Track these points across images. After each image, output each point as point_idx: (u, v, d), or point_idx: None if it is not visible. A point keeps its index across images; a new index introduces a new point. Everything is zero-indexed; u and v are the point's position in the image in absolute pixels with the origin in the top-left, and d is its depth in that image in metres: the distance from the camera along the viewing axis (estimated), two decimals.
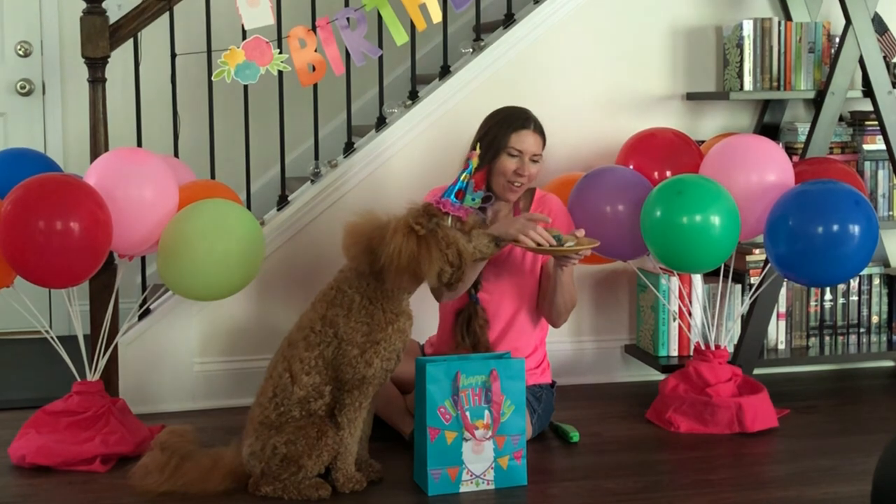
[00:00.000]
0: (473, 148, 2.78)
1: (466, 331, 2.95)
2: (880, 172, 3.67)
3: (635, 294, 3.66)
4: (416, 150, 3.44)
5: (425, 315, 3.10)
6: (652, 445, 2.94)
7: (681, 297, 3.46)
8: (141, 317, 3.33)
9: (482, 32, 3.58)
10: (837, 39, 3.51)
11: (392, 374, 2.67)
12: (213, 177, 3.39)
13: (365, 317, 2.57)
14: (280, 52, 3.10)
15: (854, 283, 3.69)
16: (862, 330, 3.72)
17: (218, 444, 2.74)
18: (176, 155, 3.37)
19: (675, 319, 3.49)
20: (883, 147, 3.58)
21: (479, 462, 2.61)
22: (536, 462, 2.79)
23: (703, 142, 3.53)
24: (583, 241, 2.78)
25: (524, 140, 2.90)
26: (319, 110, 3.46)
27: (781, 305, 3.60)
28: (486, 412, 2.61)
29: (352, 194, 3.41)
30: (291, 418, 2.57)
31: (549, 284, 2.93)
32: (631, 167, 3.31)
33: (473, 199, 2.61)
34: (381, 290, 2.58)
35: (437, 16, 3.17)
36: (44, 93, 4.29)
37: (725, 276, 3.29)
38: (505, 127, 2.91)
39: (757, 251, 3.53)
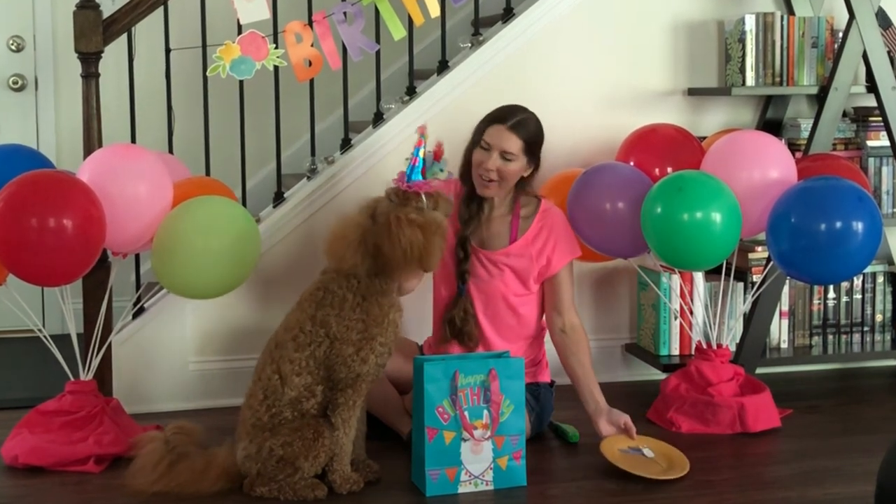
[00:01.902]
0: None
1: (449, 323, 2.95)
2: (884, 169, 3.66)
3: (636, 292, 3.64)
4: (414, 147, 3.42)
5: (424, 316, 3.09)
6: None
7: (682, 295, 3.44)
8: (135, 315, 3.31)
9: (481, 27, 3.57)
10: (841, 34, 3.50)
11: (384, 369, 2.66)
12: (208, 173, 3.38)
13: (360, 314, 2.56)
14: (276, 47, 3.08)
15: (857, 281, 3.67)
16: (865, 329, 3.70)
17: (213, 444, 2.71)
18: (170, 151, 3.36)
19: (676, 318, 3.48)
20: (887, 143, 3.57)
21: (477, 462, 2.60)
22: (536, 462, 2.77)
23: (704, 138, 3.51)
24: (674, 459, 2.76)
25: (495, 135, 2.88)
26: (316, 106, 3.44)
27: (784, 304, 3.58)
28: (485, 412, 2.60)
29: (348, 191, 3.38)
30: (284, 420, 2.56)
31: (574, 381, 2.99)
32: (631, 164, 3.29)
33: (441, 170, 2.62)
34: (372, 286, 2.58)
35: (434, 10, 3.15)
36: (36, 88, 4.28)
37: (727, 274, 3.27)
38: (487, 121, 2.93)
39: (759, 248, 3.52)
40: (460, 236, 2.94)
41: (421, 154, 2.59)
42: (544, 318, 3.04)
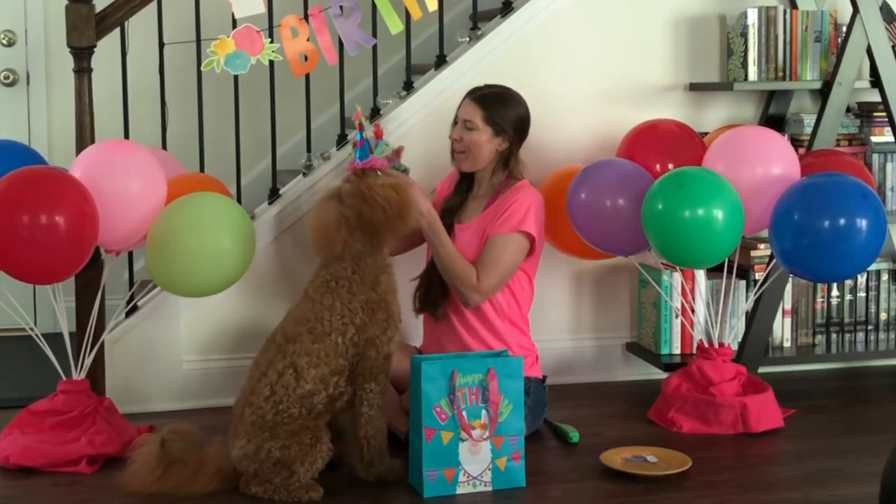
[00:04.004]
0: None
1: (417, 291, 3.00)
2: (888, 165, 3.62)
3: (636, 290, 3.61)
4: (412, 142, 3.38)
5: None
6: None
7: (683, 293, 3.42)
8: (128, 314, 3.28)
9: (479, 21, 3.55)
10: (844, 28, 3.47)
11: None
12: (202, 169, 3.35)
13: (381, 293, 2.63)
14: (271, 42, 3.06)
15: (861, 279, 3.64)
16: (870, 327, 3.67)
17: (208, 444, 2.69)
18: (164, 147, 3.33)
19: (677, 316, 3.45)
20: (891, 139, 3.55)
21: (475, 463, 2.58)
22: (535, 463, 2.75)
23: (706, 133, 3.49)
24: (678, 461, 2.73)
25: (462, 107, 3.02)
26: (312, 101, 3.42)
27: (787, 302, 3.56)
28: (484, 412, 2.58)
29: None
30: (289, 417, 2.55)
31: None
32: (632, 160, 3.25)
33: (387, 144, 2.76)
34: (376, 263, 2.65)
35: (432, 4, 3.15)
36: (28, 83, 4.26)
37: (729, 272, 3.25)
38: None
39: (762, 246, 3.49)
40: (441, 210, 3.01)
41: (364, 136, 2.70)
42: None
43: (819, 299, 3.63)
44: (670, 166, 3.19)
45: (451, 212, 3.03)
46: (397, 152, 2.87)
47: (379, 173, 2.68)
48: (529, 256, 2.97)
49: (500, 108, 2.97)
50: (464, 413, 2.55)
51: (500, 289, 2.93)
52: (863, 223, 2.88)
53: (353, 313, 2.60)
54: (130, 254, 3.31)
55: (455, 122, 3.03)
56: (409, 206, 2.66)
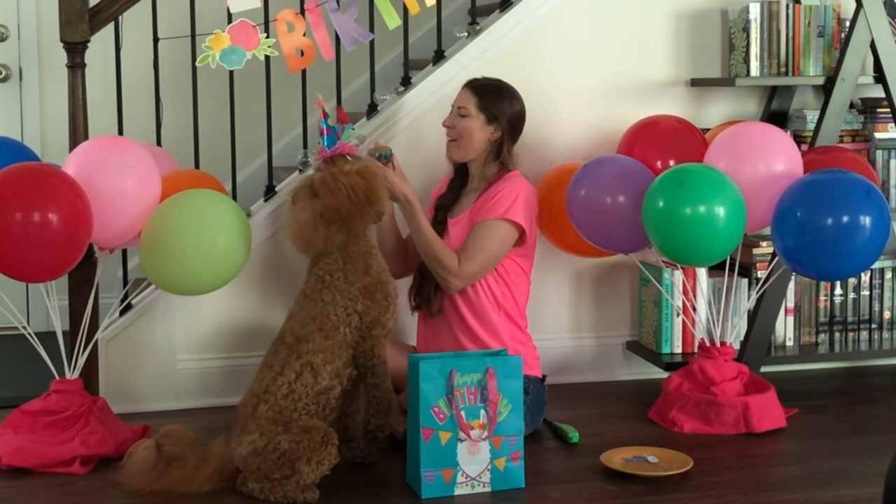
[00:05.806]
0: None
1: (410, 293, 3.01)
2: (892, 162, 3.61)
3: (637, 289, 3.60)
4: (410, 139, 3.38)
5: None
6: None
7: (685, 291, 3.40)
8: (122, 312, 3.27)
9: (478, 16, 3.53)
10: (848, 23, 3.45)
11: None
12: (197, 166, 3.34)
13: (374, 275, 2.68)
14: (267, 37, 3.05)
15: (865, 277, 3.63)
16: (873, 326, 3.65)
17: (206, 443, 2.68)
18: (158, 143, 3.32)
19: (678, 315, 3.43)
20: (895, 135, 3.53)
21: (474, 463, 2.57)
22: (534, 463, 2.73)
23: (707, 130, 3.48)
24: (679, 461, 2.71)
25: (457, 97, 3.06)
26: (308, 97, 3.38)
27: (789, 300, 3.54)
28: (482, 411, 2.56)
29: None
30: (307, 414, 2.57)
31: None
32: (632, 156, 3.24)
33: (353, 128, 2.77)
34: (359, 247, 2.68)
35: None
36: (21, 79, 4.23)
37: (731, 270, 3.23)
38: None
39: (764, 244, 3.48)
40: (435, 206, 3.04)
41: (329, 123, 2.71)
42: None
43: (822, 298, 3.61)
44: (671, 163, 3.18)
45: (444, 208, 3.03)
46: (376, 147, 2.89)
47: (349, 158, 2.68)
48: (521, 248, 2.96)
49: (494, 97, 2.99)
50: (462, 413, 2.54)
51: (483, 275, 2.91)
52: (866, 220, 2.87)
53: (353, 301, 2.65)
54: (124, 251, 3.30)
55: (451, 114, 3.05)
56: (378, 189, 2.66)
